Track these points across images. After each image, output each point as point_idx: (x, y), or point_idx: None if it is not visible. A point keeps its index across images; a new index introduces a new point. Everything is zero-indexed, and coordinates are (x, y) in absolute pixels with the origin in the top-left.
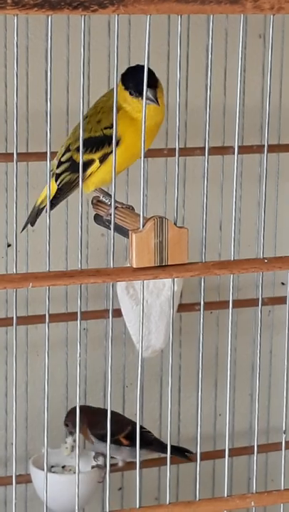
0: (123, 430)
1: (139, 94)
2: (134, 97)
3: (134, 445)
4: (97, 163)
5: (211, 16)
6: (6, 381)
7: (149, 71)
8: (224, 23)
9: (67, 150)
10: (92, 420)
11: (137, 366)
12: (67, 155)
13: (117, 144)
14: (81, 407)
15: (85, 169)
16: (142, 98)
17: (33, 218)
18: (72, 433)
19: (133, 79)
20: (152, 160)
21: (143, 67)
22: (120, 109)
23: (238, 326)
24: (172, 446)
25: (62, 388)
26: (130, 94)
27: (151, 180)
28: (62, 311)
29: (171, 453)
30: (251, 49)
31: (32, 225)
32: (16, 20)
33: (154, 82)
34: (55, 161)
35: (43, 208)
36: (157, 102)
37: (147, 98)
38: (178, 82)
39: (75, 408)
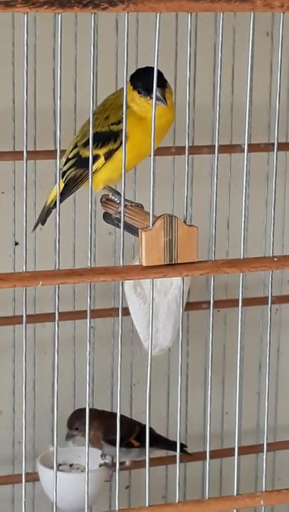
0: (132, 432)
1: (148, 93)
2: (143, 95)
3: (144, 445)
4: (102, 159)
5: (220, 14)
6: (14, 379)
7: (158, 72)
8: (232, 21)
9: (75, 147)
10: (101, 425)
11: (145, 365)
12: (74, 151)
13: None
14: (83, 411)
15: None
16: (150, 97)
17: (43, 217)
18: (72, 436)
19: (142, 79)
20: (160, 158)
21: (152, 68)
22: (128, 108)
23: (245, 325)
24: (170, 442)
25: (70, 387)
26: (138, 93)
27: (158, 179)
28: (69, 310)
29: (170, 449)
30: (258, 47)
31: (42, 224)
32: (26, 18)
33: (162, 82)
34: (64, 159)
35: (53, 207)
36: (165, 101)
37: (156, 98)
38: (187, 80)
39: (75, 415)
